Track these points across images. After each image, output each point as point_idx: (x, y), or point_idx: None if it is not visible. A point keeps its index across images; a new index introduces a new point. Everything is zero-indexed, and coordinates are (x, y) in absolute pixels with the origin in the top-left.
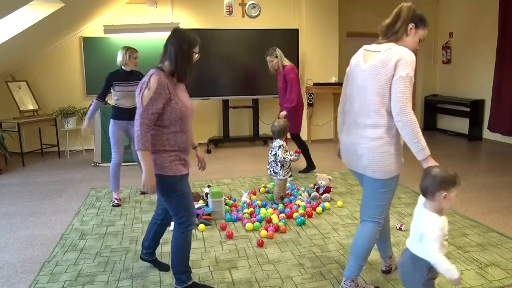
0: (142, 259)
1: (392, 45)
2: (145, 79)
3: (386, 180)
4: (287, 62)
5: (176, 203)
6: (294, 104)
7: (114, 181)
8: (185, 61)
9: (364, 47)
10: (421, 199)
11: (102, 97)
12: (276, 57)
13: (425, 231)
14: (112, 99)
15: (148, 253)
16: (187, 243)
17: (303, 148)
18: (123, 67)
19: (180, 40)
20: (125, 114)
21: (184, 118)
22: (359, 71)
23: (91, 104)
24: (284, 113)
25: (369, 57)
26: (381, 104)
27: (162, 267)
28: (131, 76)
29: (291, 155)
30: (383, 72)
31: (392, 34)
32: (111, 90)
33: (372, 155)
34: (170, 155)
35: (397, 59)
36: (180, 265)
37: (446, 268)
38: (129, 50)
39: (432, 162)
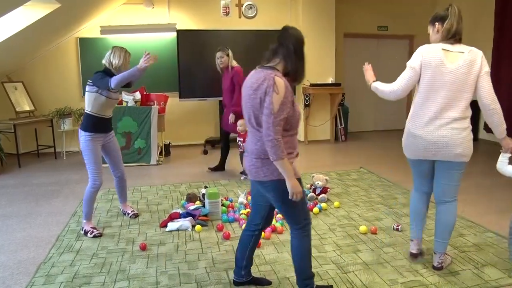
0: (238, 283)
1: (466, 46)
2: (268, 82)
3: (468, 162)
4: (235, 63)
5: (299, 207)
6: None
7: (90, 208)
8: (301, 61)
9: (440, 46)
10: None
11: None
12: (228, 55)
13: None
14: (90, 106)
15: (247, 273)
16: (310, 244)
17: (225, 149)
18: (113, 70)
19: (297, 39)
20: (107, 125)
21: (299, 119)
22: (446, 71)
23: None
24: (233, 116)
25: (453, 57)
26: (468, 99)
27: (264, 282)
28: None
29: None
30: (473, 71)
31: (459, 34)
32: (93, 96)
33: (466, 144)
34: (291, 158)
35: (481, 56)
36: (309, 268)
37: None
38: (128, 53)
39: (509, 140)
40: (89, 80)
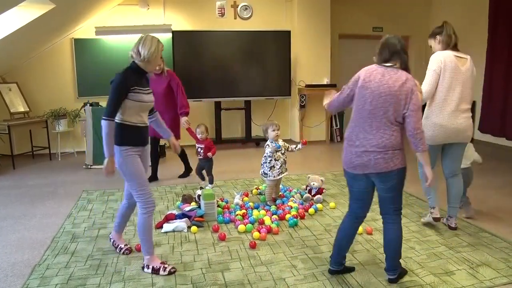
0: (335, 272)
1: (463, 53)
2: (411, 82)
3: None
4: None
5: (402, 194)
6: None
7: (150, 239)
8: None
9: (451, 53)
10: None
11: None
12: (163, 60)
13: None
14: (123, 113)
15: (344, 261)
16: None
17: (156, 158)
18: (141, 63)
19: (403, 43)
20: (144, 135)
21: None
22: (459, 72)
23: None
24: (186, 118)
25: (463, 62)
26: (472, 95)
27: (350, 270)
28: (147, 80)
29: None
30: (473, 73)
31: (457, 44)
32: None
33: (472, 128)
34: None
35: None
36: (400, 253)
37: None
38: (161, 43)
39: None
40: (111, 81)
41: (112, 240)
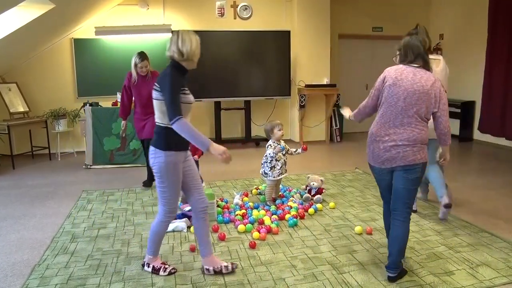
0: (395, 278)
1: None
2: (439, 82)
3: None
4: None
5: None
6: None
7: (158, 243)
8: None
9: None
10: None
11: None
12: (149, 62)
13: None
14: (164, 117)
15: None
16: None
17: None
18: (184, 62)
19: (421, 40)
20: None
21: None
22: (435, 72)
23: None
24: None
25: (436, 63)
26: (447, 92)
27: (403, 272)
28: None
29: (294, 151)
30: (447, 72)
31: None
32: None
33: None
34: None
35: None
36: (404, 252)
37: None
38: (197, 36)
39: None
40: (156, 85)
41: (204, 268)
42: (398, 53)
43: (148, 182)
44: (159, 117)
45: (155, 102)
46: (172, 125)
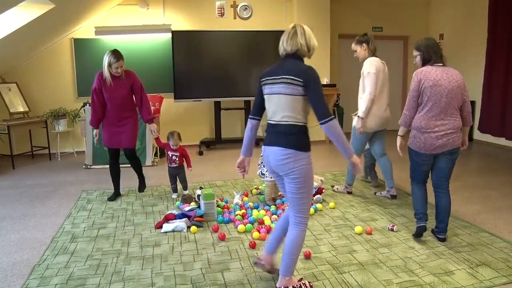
0: (423, 229)
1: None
2: (461, 75)
3: None
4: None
5: None
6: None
7: (296, 259)
8: None
9: (378, 59)
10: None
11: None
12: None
13: None
14: (302, 114)
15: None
16: None
17: (118, 171)
18: (305, 59)
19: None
20: None
21: None
22: (385, 73)
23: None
24: (156, 126)
25: (383, 65)
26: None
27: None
28: None
29: None
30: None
31: None
32: (302, 100)
33: None
34: None
35: None
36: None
37: None
38: None
39: None
40: (293, 77)
41: (263, 264)
42: (417, 54)
43: (142, 186)
44: (291, 116)
45: (286, 98)
46: (324, 123)
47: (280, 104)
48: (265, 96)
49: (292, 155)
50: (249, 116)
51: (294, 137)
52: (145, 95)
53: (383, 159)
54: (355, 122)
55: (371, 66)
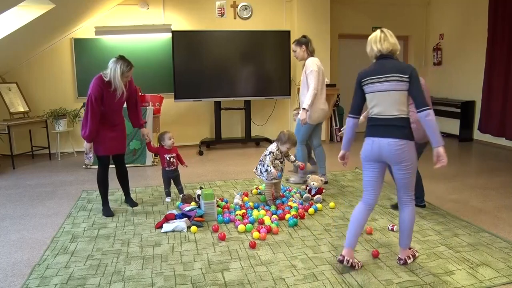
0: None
1: None
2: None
3: None
4: None
5: None
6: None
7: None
8: None
9: (317, 58)
10: None
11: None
12: None
13: None
14: (406, 107)
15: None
16: None
17: (125, 177)
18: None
19: None
20: None
21: None
22: (322, 72)
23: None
24: (148, 131)
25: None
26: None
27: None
28: None
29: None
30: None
31: None
32: (405, 94)
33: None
34: None
35: None
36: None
37: None
38: None
39: None
40: (400, 75)
41: (348, 260)
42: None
43: (133, 201)
44: (401, 110)
45: (394, 94)
46: (422, 111)
47: (389, 100)
48: (369, 95)
49: (405, 145)
50: (350, 115)
51: (405, 129)
52: (139, 98)
53: (319, 149)
54: (300, 115)
55: (313, 65)
